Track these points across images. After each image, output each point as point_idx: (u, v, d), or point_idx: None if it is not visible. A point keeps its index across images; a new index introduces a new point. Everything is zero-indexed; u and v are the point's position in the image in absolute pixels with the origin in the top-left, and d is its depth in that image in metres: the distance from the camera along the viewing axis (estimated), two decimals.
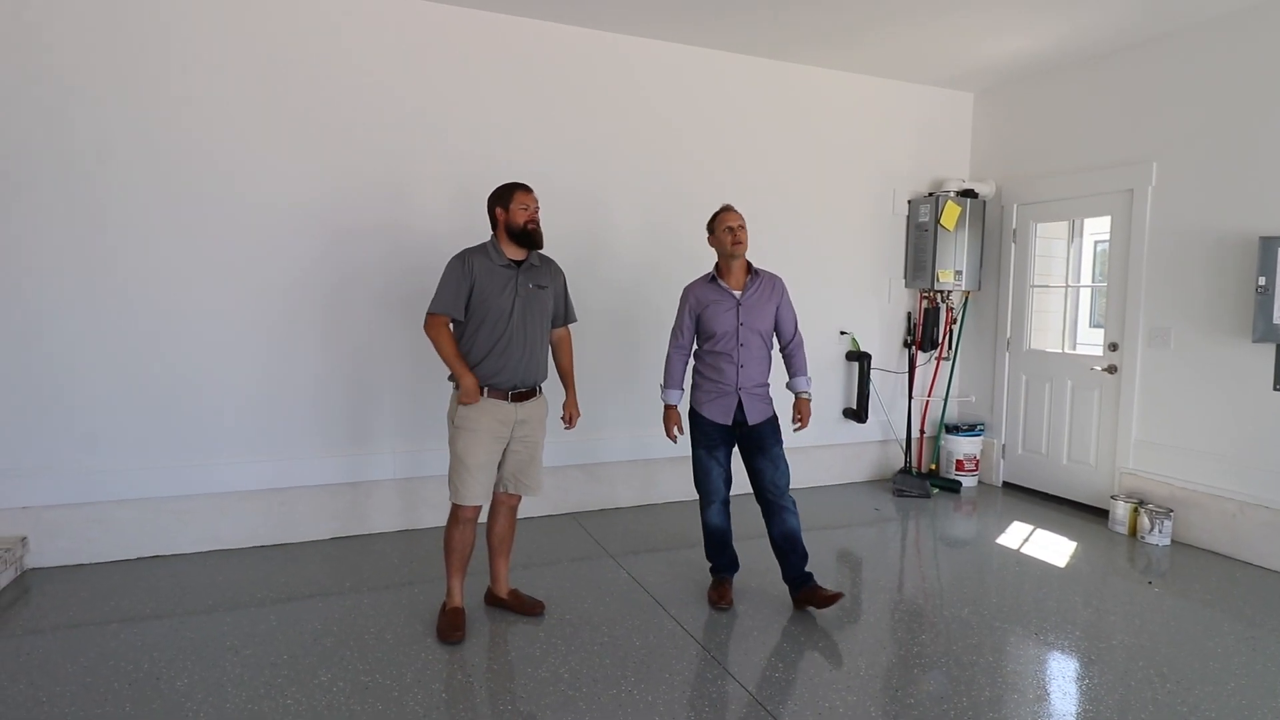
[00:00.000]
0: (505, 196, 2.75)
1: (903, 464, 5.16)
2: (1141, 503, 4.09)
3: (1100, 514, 4.39)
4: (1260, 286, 3.51)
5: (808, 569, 3.09)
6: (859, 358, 4.99)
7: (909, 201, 5.12)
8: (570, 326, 3.03)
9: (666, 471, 4.54)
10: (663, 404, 3.17)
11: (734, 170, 4.57)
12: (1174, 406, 4.09)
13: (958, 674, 2.60)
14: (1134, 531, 4.08)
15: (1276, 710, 2.39)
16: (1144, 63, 4.21)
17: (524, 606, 3.00)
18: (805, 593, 3.05)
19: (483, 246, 2.77)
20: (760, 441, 3.04)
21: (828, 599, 3.00)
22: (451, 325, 2.77)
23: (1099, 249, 4.80)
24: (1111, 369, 4.40)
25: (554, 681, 2.49)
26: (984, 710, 2.37)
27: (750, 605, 3.12)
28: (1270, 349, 3.61)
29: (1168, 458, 4.11)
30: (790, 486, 3.10)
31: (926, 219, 4.94)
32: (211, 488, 3.58)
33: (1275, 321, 3.48)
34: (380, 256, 3.81)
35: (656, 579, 3.38)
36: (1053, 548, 3.91)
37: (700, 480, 3.10)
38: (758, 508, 3.12)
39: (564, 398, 3.06)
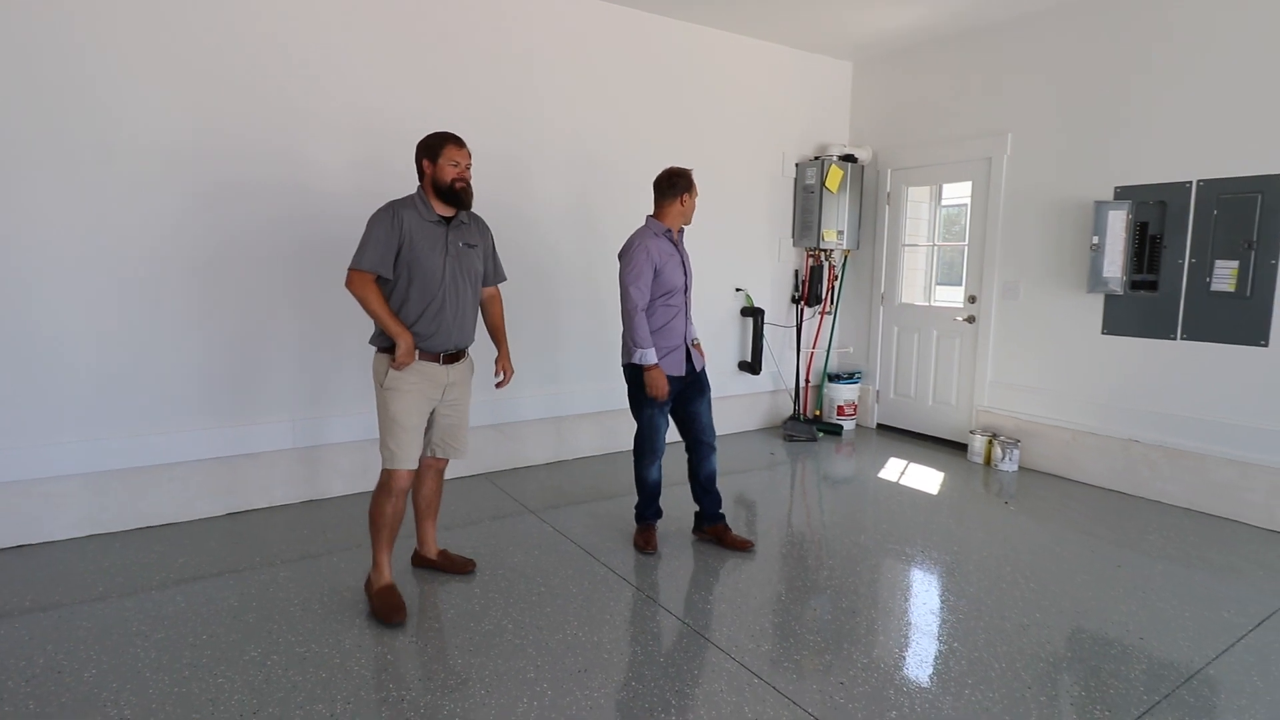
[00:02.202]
0: (434, 149, 2.57)
1: (792, 411, 5.55)
2: (995, 436, 4.67)
3: (961, 447, 4.97)
4: (1094, 244, 4.08)
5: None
6: (753, 313, 5.27)
7: (796, 164, 5.40)
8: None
9: (577, 427, 4.61)
10: (643, 366, 3.00)
11: (630, 129, 4.60)
12: (1022, 350, 4.68)
13: (863, 590, 2.92)
14: (989, 460, 4.67)
15: (1115, 597, 2.89)
16: (1003, 42, 4.66)
17: (455, 565, 2.99)
18: (719, 530, 3.32)
19: (410, 200, 2.61)
20: (701, 387, 3.23)
21: (739, 543, 3.27)
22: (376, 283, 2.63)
23: (941, 213, 5.38)
24: (970, 319, 4.94)
25: (499, 633, 2.54)
26: (892, 618, 2.70)
27: (673, 548, 3.29)
28: (1100, 298, 4.22)
29: (1016, 395, 4.71)
30: None
31: (813, 181, 5.25)
32: (82, 467, 3.22)
33: (1104, 275, 4.06)
34: (270, 205, 3.51)
35: (580, 530, 3.47)
36: (924, 479, 4.40)
37: (649, 439, 3.17)
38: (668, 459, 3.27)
39: (496, 355, 3.00)
